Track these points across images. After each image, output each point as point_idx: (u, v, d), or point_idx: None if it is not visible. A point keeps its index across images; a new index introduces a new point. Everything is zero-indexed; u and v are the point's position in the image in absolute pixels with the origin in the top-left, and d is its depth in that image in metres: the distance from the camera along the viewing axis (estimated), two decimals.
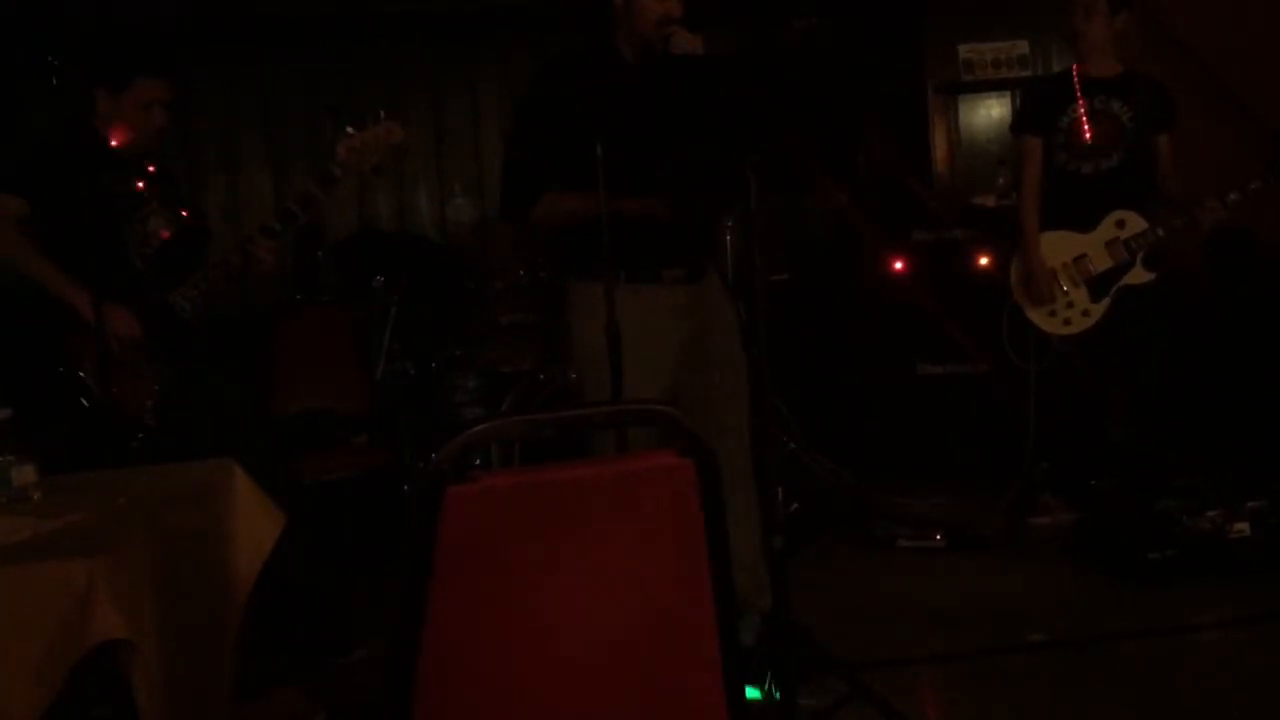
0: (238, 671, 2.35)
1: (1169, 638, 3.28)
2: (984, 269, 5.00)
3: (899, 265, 5.36)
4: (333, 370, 4.67)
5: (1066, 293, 4.27)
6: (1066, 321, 4.28)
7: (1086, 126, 4.21)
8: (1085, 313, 4.26)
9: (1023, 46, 5.96)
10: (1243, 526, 3.69)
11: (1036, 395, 4.44)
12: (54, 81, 3.10)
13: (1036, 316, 4.30)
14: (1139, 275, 4.20)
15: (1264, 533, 3.69)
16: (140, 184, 3.39)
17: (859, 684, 2.77)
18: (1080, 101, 4.24)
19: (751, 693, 2.64)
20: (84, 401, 3.15)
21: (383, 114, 3.35)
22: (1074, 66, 4.34)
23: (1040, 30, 5.91)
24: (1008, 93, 6.02)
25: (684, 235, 3.18)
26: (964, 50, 5.93)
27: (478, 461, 3.99)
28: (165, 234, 3.41)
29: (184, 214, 3.50)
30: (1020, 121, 4.47)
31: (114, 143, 3.33)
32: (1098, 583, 3.74)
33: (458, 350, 4.86)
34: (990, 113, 6.07)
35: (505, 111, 5.92)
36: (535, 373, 4.60)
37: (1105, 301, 4.23)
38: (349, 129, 3.32)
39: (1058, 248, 4.29)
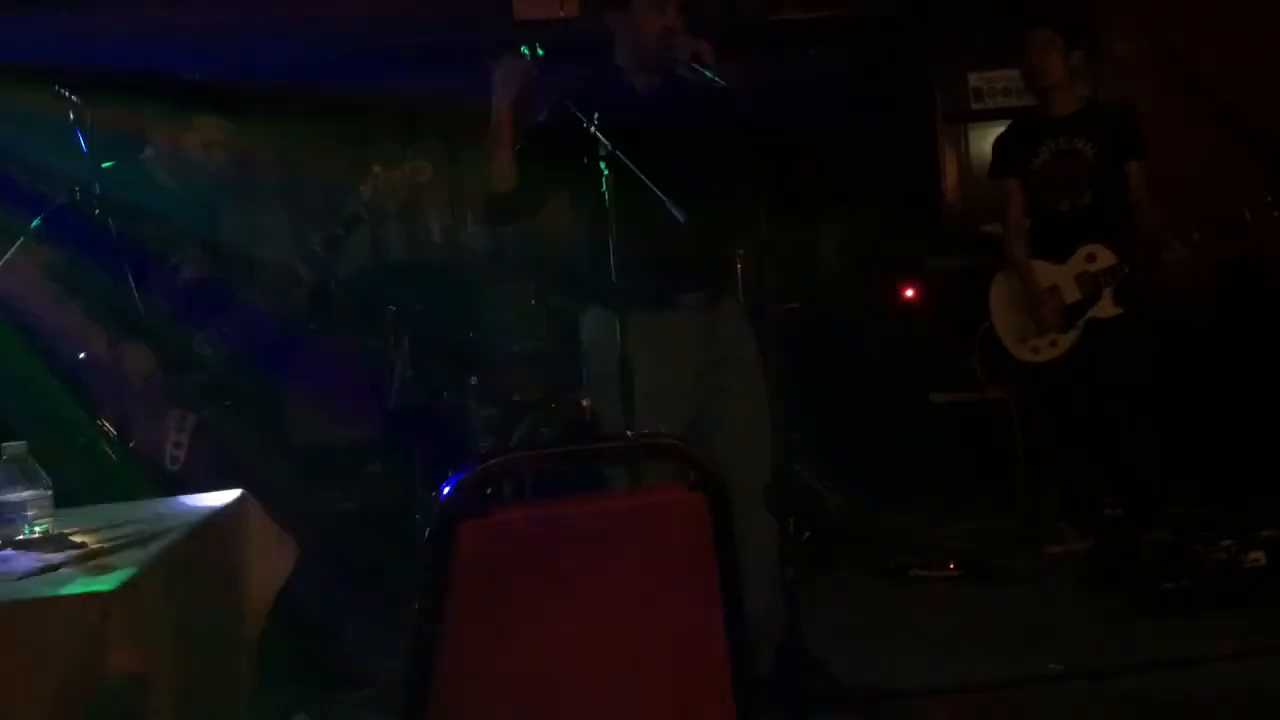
0: (251, 703, 2.35)
1: (1185, 669, 3.25)
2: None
3: (910, 293, 5.37)
4: (346, 400, 4.68)
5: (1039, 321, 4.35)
6: (1035, 349, 4.36)
7: (1056, 165, 4.35)
8: (1053, 342, 4.32)
9: None
10: (1258, 556, 3.67)
11: (1027, 423, 4.54)
12: (85, 125, 3.11)
13: (1009, 342, 4.41)
14: (1106, 308, 4.26)
15: (1279, 562, 3.67)
16: (179, 226, 3.38)
17: (873, 716, 2.76)
18: (1046, 143, 4.37)
19: None
20: (107, 450, 3.14)
21: (412, 154, 3.35)
22: (1036, 107, 4.49)
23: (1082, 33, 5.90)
24: None
25: (698, 260, 3.17)
26: (974, 78, 5.94)
27: (488, 491, 3.99)
28: (194, 276, 3.42)
29: (214, 260, 3.51)
30: (996, 167, 4.61)
31: (165, 181, 3.35)
32: (1113, 613, 3.72)
33: (470, 379, 4.86)
34: None
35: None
36: (547, 401, 4.61)
37: (1073, 333, 4.30)
38: (375, 168, 3.31)
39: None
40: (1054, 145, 4.36)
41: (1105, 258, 4.25)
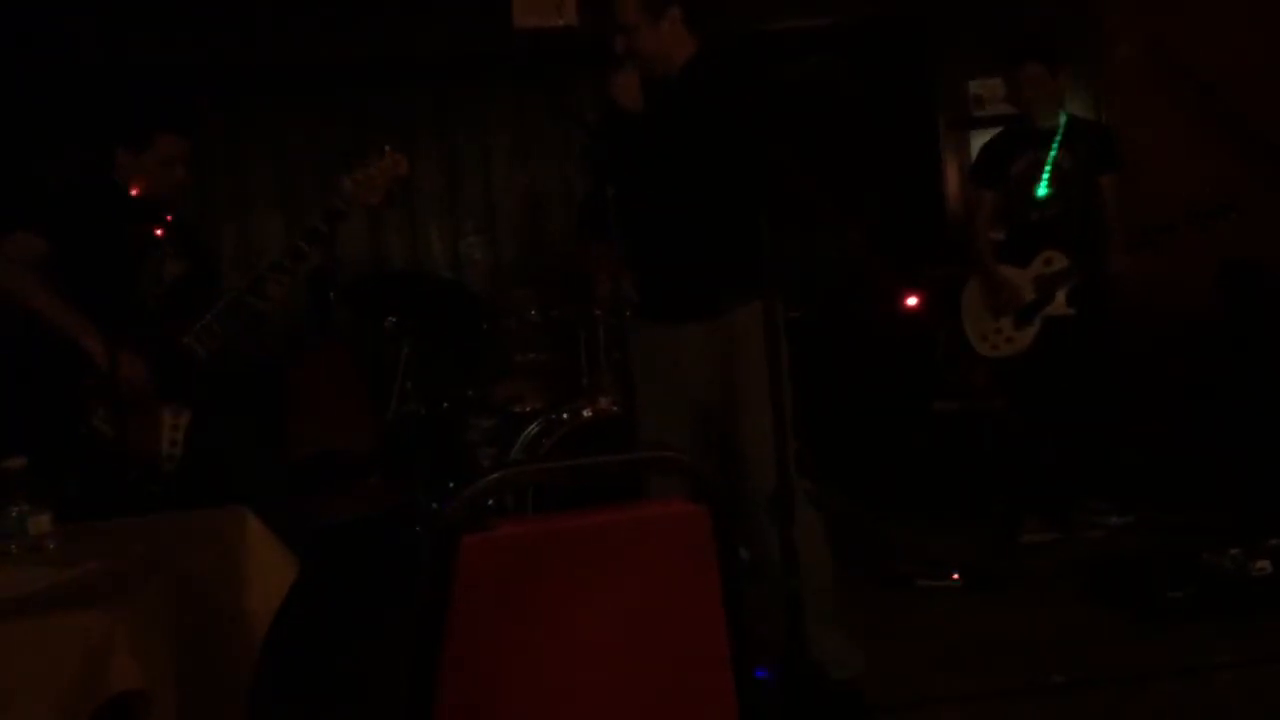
0: (251, 716, 2.34)
1: (1192, 678, 3.23)
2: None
3: (913, 301, 5.36)
4: (345, 411, 4.67)
5: (997, 319, 4.69)
6: (995, 346, 4.70)
7: (1032, 176, 4.64)
8: (1010, 339, 4.66)
9: None
10: (1264, 564, 3.65)
11: (1001, 421, 4.85)
12: (70, 129, 3.13)
13: (974, 340, 4.75)
14: (1058, 308, 4.58)
15: None
16: (157, 230, 3.40)
17: None
18: (1026, 153, 4.66)
19: None
20: (98, 449, 3.15)
21: (387, 148, 3.37)
22: (1020, 118, 4.76)
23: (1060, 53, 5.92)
24: None
25: (700, 272, 3.14)
26: (975, 85, 5.94)
27: (490, 502, 3.98)
28: (178, 273, 3.44)
29: (197, 259, 3.53)
30: (974, 175, 4.93)
31: (133, 192, 3.36)
32: (1118, 622, 3.70)
33: (470, 390, 4.86)
34: None
35: (517, 150, 5.96)
36: (549, 412, 4.58)
37: (1030, 330, 4.63)
38: (355, 163, 3.34)
39: None
40: (1032, 156, 4.65)
41: (1059, 261, 4.57)
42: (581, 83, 5.65)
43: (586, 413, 4.34)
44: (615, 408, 4.32)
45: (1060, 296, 4.56)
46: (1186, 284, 5.22)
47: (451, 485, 4.52)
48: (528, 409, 4.67)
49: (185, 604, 2.02)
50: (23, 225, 3.23)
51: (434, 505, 4.47)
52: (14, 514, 2.08)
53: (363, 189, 3.31)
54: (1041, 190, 4.61)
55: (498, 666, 1.57)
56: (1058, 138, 4.61)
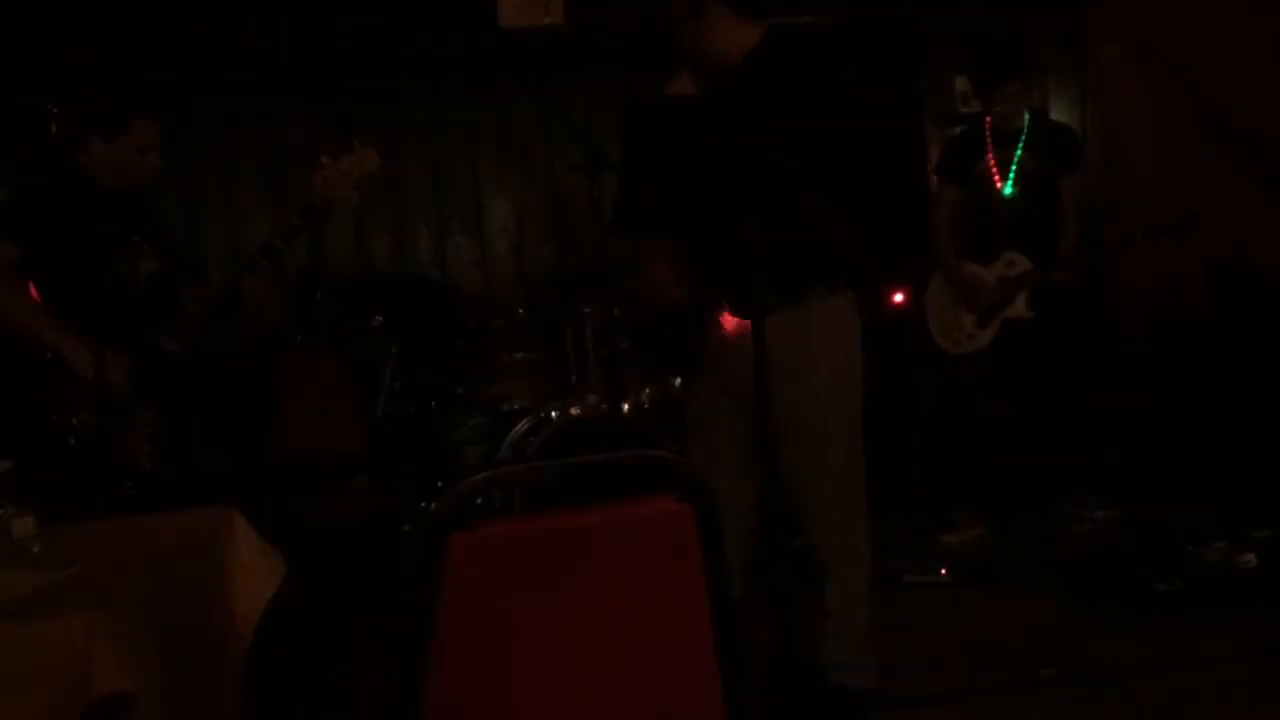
0: (239, 717, 2.34)
1: (1180, 671, 3.25)
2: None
3: (899, 297, 5.36)
4: (332, 411, 4.65)
5: (960, 316, 4.75)
6: (957, 342, 4.78)
7: (996, 175, 4.70)
8: (971, 336, 4.73)
9: None
10: (1250, 557, 3.67)
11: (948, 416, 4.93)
12: (52, 129, 3.11)
13: (937, 334, 4.83)
14: (1018, 310, 4.62)
15: (1271, 563, 3.67)
16: (128, 224, 3.38)
17: None
18: (991, 152, 4.71)
19: None
20: (78, 449, 3.14)
21: (355, 142, 3.36)
22: (986, 119, 4.77)
23: (1034, 61, 5.93)
24: None
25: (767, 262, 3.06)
26: (960, 82, 5.95)
27: (478, 500, 3.97)
28: (151, 272, 3.41)
29: (172, 254, 3.51)
30: (939, 170, 4.92)
31: (105, 184, 3.33)
32: (1106, 616, 3.72)
33: (458, 389, 4.85)
34: None
35: (504, 149, 5.95)
36: (537, 411, 4.58)
37: (990, 330, 4.68)
38: (324, 159, 3.32)
39: None
40: (996, 154, 4.69)
41: (1022, 264, 4.61)
42: (569, 82, 5.64)
43: (574, 411, 4.34)
44: (604, 406, 4.32)
45: (1021, 300, 4.60)
46: (1174, 281, 5.25)
47: (440, 484, 4.51)
48: (516, 407, 4.67)
49: (171, 605, 2.01)
50: None
51: (422, 504, 4.46)
52: None
53: (333, 184, 3.29)
54: (1008, 190, 4.67)
55: (485, 664, 1.57)
56: (1023, 138, 4.66)
